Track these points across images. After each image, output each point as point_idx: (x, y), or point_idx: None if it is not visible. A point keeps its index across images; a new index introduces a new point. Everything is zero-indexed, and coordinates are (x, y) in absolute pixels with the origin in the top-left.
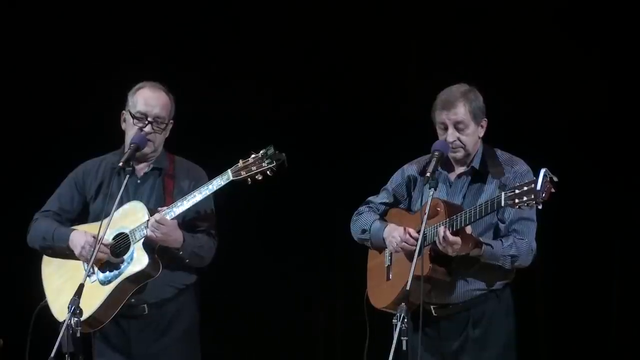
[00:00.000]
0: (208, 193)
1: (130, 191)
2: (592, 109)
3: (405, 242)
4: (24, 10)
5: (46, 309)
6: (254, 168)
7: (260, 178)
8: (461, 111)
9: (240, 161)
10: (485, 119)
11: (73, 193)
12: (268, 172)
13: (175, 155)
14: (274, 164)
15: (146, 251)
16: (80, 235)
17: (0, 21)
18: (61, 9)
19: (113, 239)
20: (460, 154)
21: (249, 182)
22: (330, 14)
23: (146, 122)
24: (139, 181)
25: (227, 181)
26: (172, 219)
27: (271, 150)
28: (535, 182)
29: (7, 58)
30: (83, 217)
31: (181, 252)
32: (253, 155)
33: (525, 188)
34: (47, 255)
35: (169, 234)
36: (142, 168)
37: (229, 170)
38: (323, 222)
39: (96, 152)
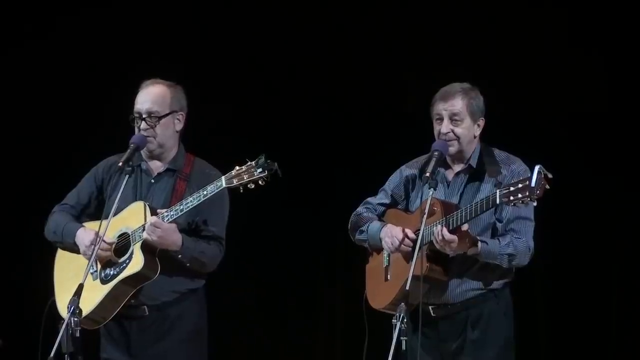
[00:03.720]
0: (202, 199)
1: (143, 191)
2: (591, 107)
3: (402, 243)
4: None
5: (54, 302)
6: (246, 176)
7: (252, 187)
8: (458, 104)
9: (235, 168)
10: (483, 119)
11: (92, 188)
12: (260, 181)
13: (195, 156)
14: (266, 173)
15: (144, 253)
16: (86, 233)
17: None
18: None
19: (118, 237)
20: (453, 148)
21: (241, 191)
22: (330, 15)
23: (140, 121)
24: (152, 181)
25: (220, 188)
26: (170, 222)
27: (262, 160)
28: (530, 179)
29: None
30: (98, 211)
31: (180, 256)
32: (248, 164)
33: (520, 185)
34: (59, 248)
35: (165, 238)
36: (157, 168)
37: (222, 177)
38: (323, 223)
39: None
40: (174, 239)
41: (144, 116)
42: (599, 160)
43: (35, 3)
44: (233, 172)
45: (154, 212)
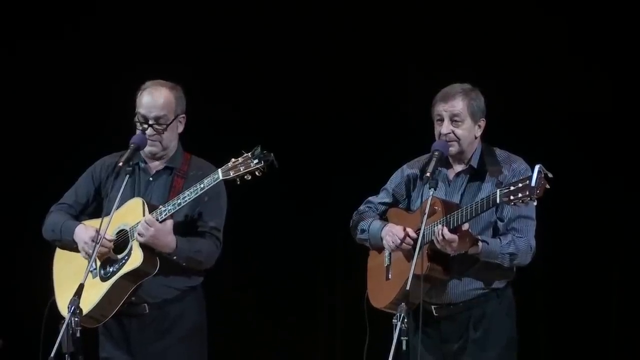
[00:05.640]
0: (199, 192)
1: (142, 189)
2: (593, 107)
3: (402, 241)
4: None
5: (54, 302)
6: (242, 168)
7: (248, 178)
8: (459, 104)
9: (232, 160)
10: (484, 120)
11: (89, 187)
12: (256, 172)
13: (192, 154)
14: (262, 164)
15: (142, 249)
16: (84, 231)
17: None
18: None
19: (116, 234)
20: (454, 148)
21: (238, 182)
22: (330, 15)
23: (146, 126)
24: (150, 179)
25: (217, 181)
26: (163, 219)
27: (258, 151)
28: (530, 179)
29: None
30: (97, 210)
31: (175, 257)
32: (244, 155)
33: (520, 185)
34: (58, 247)
35: (157, 237)
36: (155, 166)
37: (218, 170)
38: (322, 222)
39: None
40: (167, 241)
41: (150, 122)
42: (601, 160)
43: (35, 4)
44: (229, 164)
45: (152, 209)
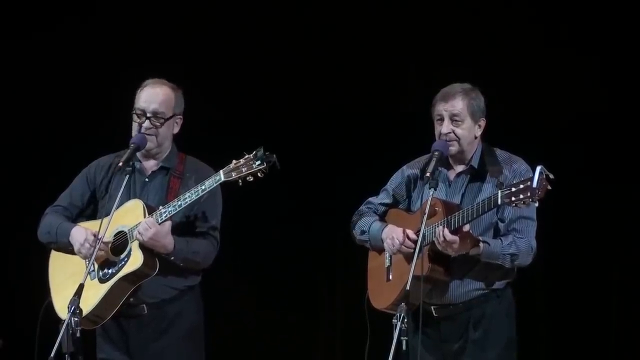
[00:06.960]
0: (201, 194)
1: (137, 189)
2: (591, 108)
3: (403, 244)
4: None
5: (50, 304)
6: (244, 169)
7: (251, 179)
8: (459, 104)
9: (233, 162)
10: (484, 119)
11: (84, 188)
12: (259, 173)
13: (187, 155)
14: (264, 165)
15: (142, 250)
16: (81, 232)
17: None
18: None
19: (114, 236)
20: (454, 148)
21: (240, 184)
22: (330, 15)
23: (144, 119)
24: (146, 179)
25: (219, 182)
26: (163, 221)
27: (261, 152)
28: (531, 180)
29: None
30: (94, 211)
31: (172, 258)
32: (245, 157)
33: (522, 186)
34: (53, 249)
35: (156, 239)
36: (150, 166)
37: (220, 171)
38: (323, 223)
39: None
40: (165, 243)
41: (149, 115)
42: (600, 160)
43: (34, 3)
44: (231, 166)
45: (150, 210)
